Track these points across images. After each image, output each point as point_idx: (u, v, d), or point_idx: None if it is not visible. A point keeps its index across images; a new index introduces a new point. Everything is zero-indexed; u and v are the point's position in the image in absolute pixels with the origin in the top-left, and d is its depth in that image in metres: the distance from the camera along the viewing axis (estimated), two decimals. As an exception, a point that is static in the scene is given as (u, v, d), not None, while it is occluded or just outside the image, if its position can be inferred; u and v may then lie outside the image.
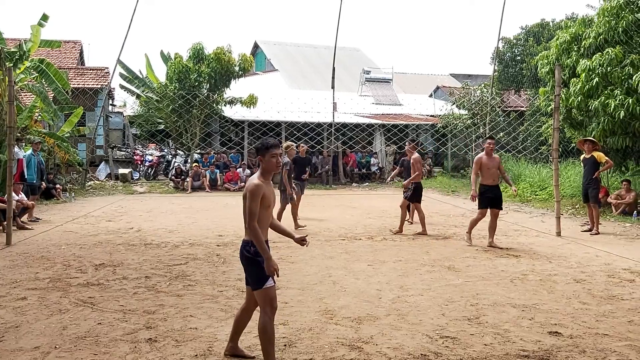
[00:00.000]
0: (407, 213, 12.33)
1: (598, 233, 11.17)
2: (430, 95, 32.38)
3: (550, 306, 6.17)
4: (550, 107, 15.18)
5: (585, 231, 11.45)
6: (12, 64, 15.47)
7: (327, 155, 23.92)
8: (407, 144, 12.24)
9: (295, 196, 12.13)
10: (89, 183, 20.87)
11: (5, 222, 10.36)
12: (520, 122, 23.88)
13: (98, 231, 11.35)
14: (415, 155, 11.48)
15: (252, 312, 4.75)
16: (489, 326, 5.48)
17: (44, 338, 5.08)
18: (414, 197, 11.49)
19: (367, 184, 23.77)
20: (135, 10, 28.09)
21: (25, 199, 12.43)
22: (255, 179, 4.39)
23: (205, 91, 22.21)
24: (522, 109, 25.52)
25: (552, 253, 9.24)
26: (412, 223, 12.52)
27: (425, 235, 11.05)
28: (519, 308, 6.08)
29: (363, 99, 29.60)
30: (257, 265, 4.32)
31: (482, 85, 25.64)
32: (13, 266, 8.09)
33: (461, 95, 25.10)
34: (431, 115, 27.16)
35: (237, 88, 23.21)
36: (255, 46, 39.55)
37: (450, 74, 39.70)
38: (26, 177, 13.00)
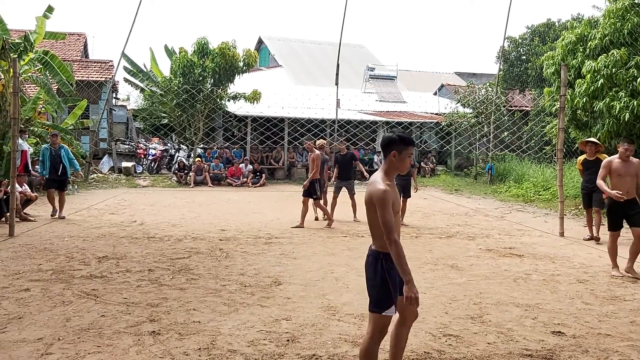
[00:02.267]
0: (319, 210, 12.61)
1: (599, 239, 10.47)
2: (435, 94, 32.35)
3: (554, 306, 6.16)
4: (555, 107, 15.15)
5: (588, 239, 10.60)
6: (16, 55, 15.46)
7: (330, 152, 23.88)
8: (305, 141, 12.44)
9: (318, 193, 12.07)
10: (92, 176, 20.89)
11: (8, 214, 10.38)
12: (525, 121, 23.84)
13: (101, 224, 11.36)
14: (316, 152, 11.82)
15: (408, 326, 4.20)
16: (492, 325, 5.48)
17: (47, 329, 5.08)
18: (311, 193, 11.73)
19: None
20: (140, 3, 27.90)
21: (29, 190, 12.45)
22: (380, 182, 3.71)
23: (210, 86, 22.20)
24: (527, 108, 25.47)
25: (555, 253, 9.23)
26: (317, 220, 12.65)
27: (302, 228, 11.29)
28: (522, 307, 6.07)
29: (367, 95, 29.55)
30: (384, 284, 3.78)
31: (487, 84, 25.58)
32: (16, 257, 8.10)
33: (466, 93, 25.05)
34: (435, 114, 27.12)
35: (241, 83, 23.19)
36: (260, 42, 39.51)
37: (455, 72, 39.64)
38: (42, 172, 12.61)
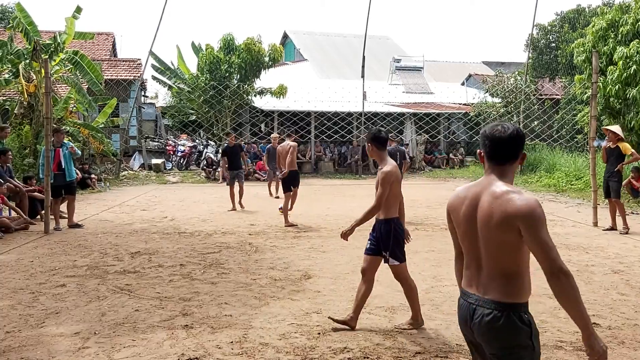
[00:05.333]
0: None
1: (628, 229, 10.00)
2: (463, 84, 31.96)
3: (588, 297, 6.05)
4: (587, 95, 14.85)
5: (607, 230, 10.25)
6: (47, 56, 15.77)
7: (357, 145, 23.85)
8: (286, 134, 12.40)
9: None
10: (123, 173, 21.23)
11: (43, 211, 10.62)
12: (556, 110, 23.42)
13: (133, 220, 11.55)
14: (291, 143, 11.57)
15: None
16: (525, 317, 5.40)
17: (84, 324, 5.20)
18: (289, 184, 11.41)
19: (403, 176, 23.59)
20: (166, 1, 28.29)
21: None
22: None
23: (236, 82, 22.33)
24: (557, 97, 25.01)
25: (588, 244, 9.06)
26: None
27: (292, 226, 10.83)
28: (555, 299, 5.96)
29: (393, 87, 29.36)
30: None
31: (516, 73, 25.19)
32: (52, 254, 8.29)
33: (494, 83, 24.71)
34: (463, 104, 26.82)
35: (267, 78, 23.27)
36: (285, 36, 39.55)
37: (483, 62, 39.09)
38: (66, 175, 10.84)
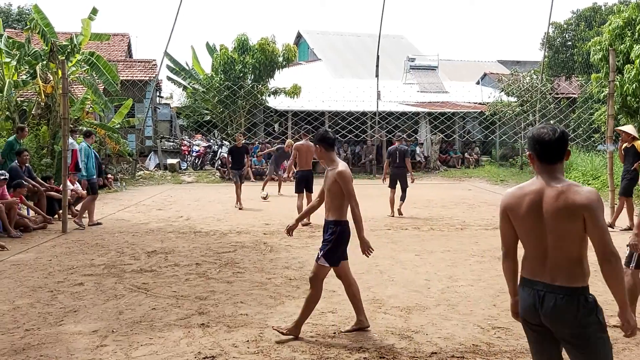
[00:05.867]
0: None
1: (630, 228, 9.61)
2: (478, 83, 31.77)
3: (605, 297, 5.94)
4: (604, 93, 14.70)
5: (624, 229, 10.02)
6: (64, 57, 15.94)
7: (371, 145, 23.82)
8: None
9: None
10: (139, 173, 21.38)
11: (60, 211, 10.74)
12: (572, 109, 23.21)
13: (149, 219, 11.64)
14: (300, 142, 11.52)
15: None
16: (542, 317, 5.37)
17: (102, 322, 5.25)
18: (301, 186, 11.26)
19: (412, 176, 23.53)
20: (181, 2, 28.47)
21: (80, 188, 12.83)
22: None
23: (250, 82, 22.40)
24: (574, 95, 24.78)
25: (606, 244, 8.94)
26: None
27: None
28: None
29: (408, 87, 29.27)
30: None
31: (532, 71, 24.99)
32: (69, 253, 8.38)
33: (510, 82, 24.54)
34: (478, 103, 26.67)
35: (281, 78, 23.31)
36: (299, 36, 39.59)
37: (498, 61, 38.81)
38: (84, 172, 11.38)
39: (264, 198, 14.64)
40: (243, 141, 14.41)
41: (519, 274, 3.03)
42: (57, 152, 14.80)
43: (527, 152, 3.00)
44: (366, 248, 4.95)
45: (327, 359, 4.42)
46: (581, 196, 2.75)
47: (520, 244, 3.06)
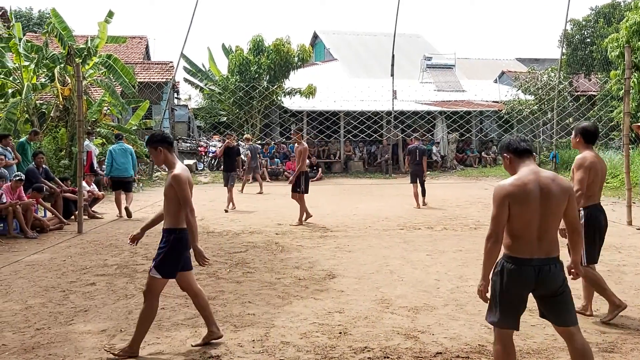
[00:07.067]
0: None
1: None
2: (495, 81, 31.48)
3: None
4: (622, 91, 14.49)
5: None
6: (80, 60, 16.16)
7: (387, 144, 23.75)
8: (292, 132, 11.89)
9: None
10: (156, 174, 21.56)
11: (76, 212, 10.89)
12: (589, 106, 22.88)
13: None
14: (304, 145, 11.24)
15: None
16: (551, 317, 5.31)
17: (111, 322, 5.32)
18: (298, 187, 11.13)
19: (428, 172, 23.42)
20: (197, 4, 28.67)
21: (96, 189, 12.99)
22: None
23: (265, 83, 22.48)
24: (592, 93, 24.44)
25: (621, 243, 8.84)
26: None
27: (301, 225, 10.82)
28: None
29: (424, 86, 29.13)
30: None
31: (549, 69, 24.70)
32: (84, 253, 8.49)
33: (527, 80, 24.27)
34: (495, 101, 26.44)
35: (297, 79, 23.36)
36: (315, 36, 39.61)
37: (516, 59, 38.40)
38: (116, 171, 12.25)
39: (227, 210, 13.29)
40: (251, 142, 14.34)
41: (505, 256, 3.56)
42: (74, 153, 15.01)
43: (504, 155, 3.68)
44: (200, 257, 4.60)
45: (331, 358, 4.42)
46: (565, 181, 3.57)
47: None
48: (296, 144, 11.62)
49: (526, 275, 3.47)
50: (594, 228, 5.13)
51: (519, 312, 3.59)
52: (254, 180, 17.94)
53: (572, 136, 5.52)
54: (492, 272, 3.59)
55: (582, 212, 5.10)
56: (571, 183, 3.62)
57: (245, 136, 15.79)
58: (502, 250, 3.58)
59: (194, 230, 4.58)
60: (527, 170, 3.52)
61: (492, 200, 3.51)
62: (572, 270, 3.87)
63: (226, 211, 12.91)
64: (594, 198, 5.19)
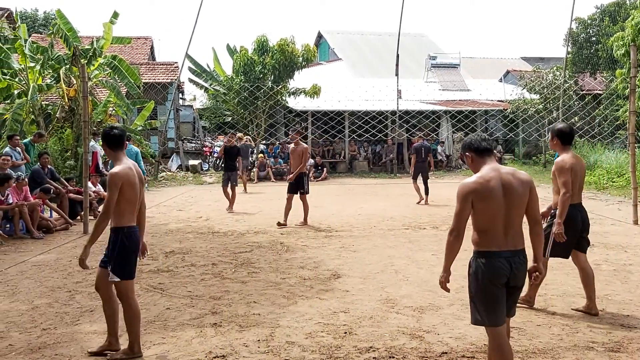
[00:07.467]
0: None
1: None
2: (500, 80, 31.40)
3: (623, 297, 5.90)
4: (628, 90, 14.43)
5: None
6: (86, 61, 16.21)
7: (392, 144, 23.73)
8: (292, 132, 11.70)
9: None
10: (162, 174, 21.63)
11: (82, 212, 10.92)
12: (595, 105, 22.79)
13: (169, 220, 11.77)
14: (303, 145, 11.14)
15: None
16: (558, 317, 5.31)
17: (117, 322, 5.32)
18: (297, 188, 10.96)
19: (434, 172, 23.40)
20: (201, 4, 28.70)
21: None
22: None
23: (270, 83, 22.49)
24: (598, 92, 24.36)
25: (627, 242, 8.81)
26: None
27: (286, 226, 10.67)
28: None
29: (428, 85, 29.08)
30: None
31: (555, 68, 24.62)
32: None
33: (532, 79, 24.20)
34: (500, 101, 26.38)
35: (301, 79, 23.36)
36: (319, 36, 39.61)
37: (521, 58, 38.29)
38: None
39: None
40: (245, 141, 14.26)
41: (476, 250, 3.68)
42: (80, 154, 15.07)
43: (466, 154, 3.81)
44: (80, 261, 4.49)
45: (336, 358, 4.42)
46: (524, 175, 3.68)
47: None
48: (293, 145, 11.39)
49: (500, 266, 3.56)
50: (567, 226, 5.26)
51: (502, 306, 3.63)
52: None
53: (549, 138, 5.64)
54: (467, 274, 3.72)
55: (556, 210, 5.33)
56: (530, 176, 3.69)
57: (237, 135, 15.75)
58: (473, 249, 3.69)
59: (95, 232, 4.42)
60: (488, 168, 3.65)
61: (455, 197, 3.66)
62: (535, 273, 3.83)
63: (230, 210, 12.88)
64: (572, 198, 5.29)
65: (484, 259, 3.60)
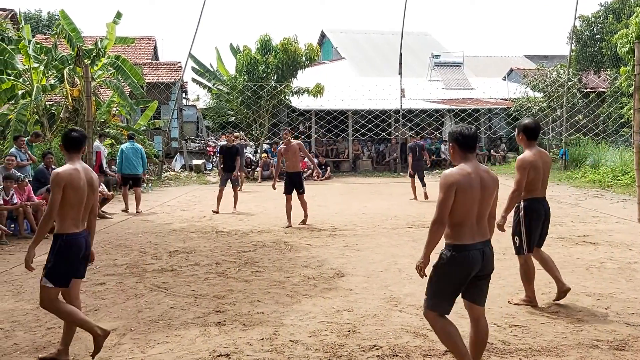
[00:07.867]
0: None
1: None
2: (504, 78, 31.34)
3: (628, 295, 5.88)
4: (632, 87, 14.38)
5: None
6: (89, 61, 16.25)
7: (395, 143, 23.71)
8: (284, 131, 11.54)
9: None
10: (165, 174, 21.65)
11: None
12: (599, 103, 22.73)
13: (173, 220, 11.79)
14: (293, 143, 11.04)
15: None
16: (562, 315, 5.30)
17: (120, 321, 5.35)
18: (294, 188, 10.89)
19: (437, 171, 23.37)
20: (204, 4, 28.73)
21: (106, 189, 13.06)
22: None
23: (273, 82, 22.50)
24: (602, 89, 24.28)
25: (632, 240, 8.78)
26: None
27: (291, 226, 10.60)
28: (594, 297, 5.83)
29: (432, 84, 29.05)
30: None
31: (559, 66, 24.55)
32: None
33: (536, 77, 24.13)
34: (504, 99, 26.32)
35: (305, 78, 23.35)
36: (322, 35, 39.60)
37: (525, 56, 38.23)
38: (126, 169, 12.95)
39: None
40: (241, 140, 14.13)
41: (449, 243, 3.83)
42: (84, 154, 15.10)
43: (450, 143, 3.98)
44: (25, 262, 4.33)
45: (340, 356, 4.42)
46: (494, 174, 3.98)
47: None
48: (283, 145, 11.20)
49: (474, 258, 3.77)
50: (531, 217, 5.60)
51: (456, 297, 3.90)
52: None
53: (516, 134, 5.79)
54: (436, 263, 3.86)
55: (522, 204, 5.66)
56: (497, 177, 4.02)
57: (234, 134, 15.83)
58: (445, 242, 3.85)
59: (39, 233, 4.35)
60: (468, 164, 3.88)
61: (439, 187, 3.80)
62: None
63: (234, 210, 12.84)
64: (535, 192, 5.58)
65: (458, 252, 3.77)
